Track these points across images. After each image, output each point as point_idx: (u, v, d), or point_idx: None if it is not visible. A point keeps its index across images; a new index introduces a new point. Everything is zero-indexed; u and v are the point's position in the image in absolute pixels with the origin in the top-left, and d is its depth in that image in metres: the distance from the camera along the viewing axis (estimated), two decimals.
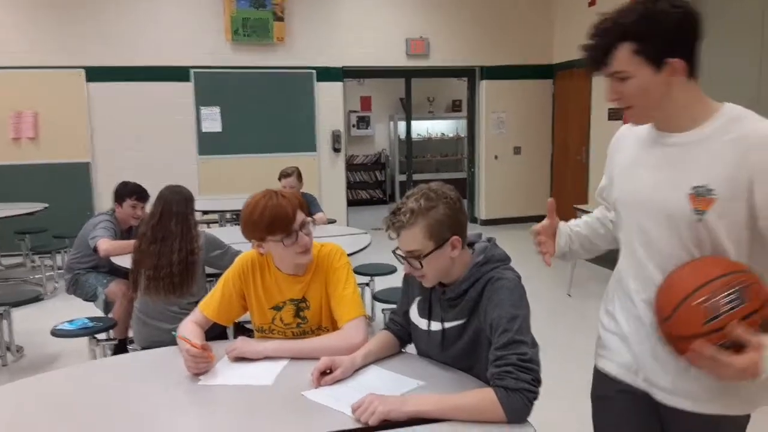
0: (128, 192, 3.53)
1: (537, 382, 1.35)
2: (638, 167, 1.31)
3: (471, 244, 1.56)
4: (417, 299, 1.64)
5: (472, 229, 1.53)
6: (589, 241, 1.55)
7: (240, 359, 1.68)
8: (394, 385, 1.48)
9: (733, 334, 1.09)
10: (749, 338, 1.08)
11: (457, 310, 1.51)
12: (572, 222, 1.58)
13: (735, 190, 1.15)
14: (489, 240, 1.57)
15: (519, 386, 1.31)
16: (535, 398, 1.34)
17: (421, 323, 1.61)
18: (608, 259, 1.55)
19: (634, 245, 1.32)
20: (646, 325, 1.29)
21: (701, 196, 1.18)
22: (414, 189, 1.49)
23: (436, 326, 1.56)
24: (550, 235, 1.52)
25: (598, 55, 1.20)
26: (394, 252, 1.50)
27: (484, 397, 1.32)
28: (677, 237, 1.23)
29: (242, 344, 1.70)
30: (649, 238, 1.29)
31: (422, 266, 1.45)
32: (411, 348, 1.73)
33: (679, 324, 1.15)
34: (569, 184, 7.78)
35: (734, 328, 1.09)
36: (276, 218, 1.69)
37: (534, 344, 1.41)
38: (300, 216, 1.74)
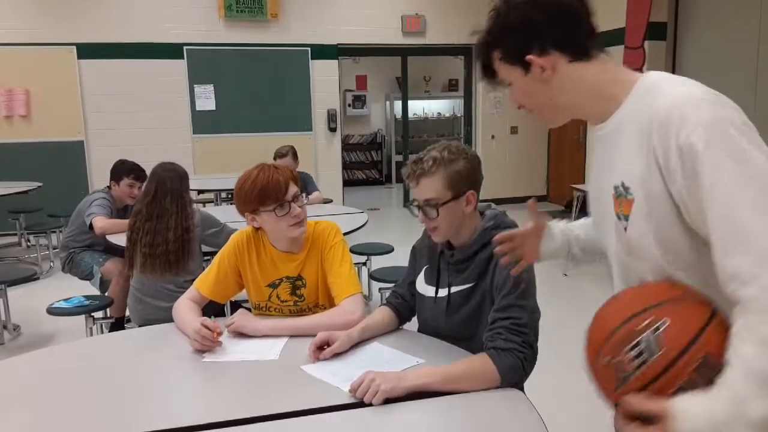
0: (126, 170, 3.51)
1: (528, 345, 1.38)
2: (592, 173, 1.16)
3: (481, 214, 1.59)
4: (424, 268, 1.67)
5: None
6: (592, 244, 1.33)
7: (240, 335, 1.68)
8: (394, 362, 1.48)
9: (626, 409, 0.84)
10: (650, 407, 0.82)
11: (466, 274, 1.55)
12: (571, 224, 1.37)
13: (650, 186, 0.91)
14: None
15: (508, 346, 1.35)
16: (526, 358, 1.36)
17: (428, 291, 1.64)
18: None
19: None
20: None
21: (621, 197, 0.98)
22: (435, 144, 1.53)
23: (443, 293, 1.59)
24: (531, 237, 1.31)
25: (485, 71, 1.10)
26: (409, 205, 1.56)
27: (478, 361, 1.36)
28: (623, 258, 1.03)
29: (241, 319, 1.70)
30: (610, 256, 1.12)
31: (438, 214, 1.48)
32: (408, 325, 1.74)
33: (599, 389, 0.93)
34: (566, 163, 7.77)
35: (627, 403, 0.83)
36: (268, 187, 1.70)
37: (534, 311, 1.45)
38: (293, 188, 1.74)
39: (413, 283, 1.70)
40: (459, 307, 1.56)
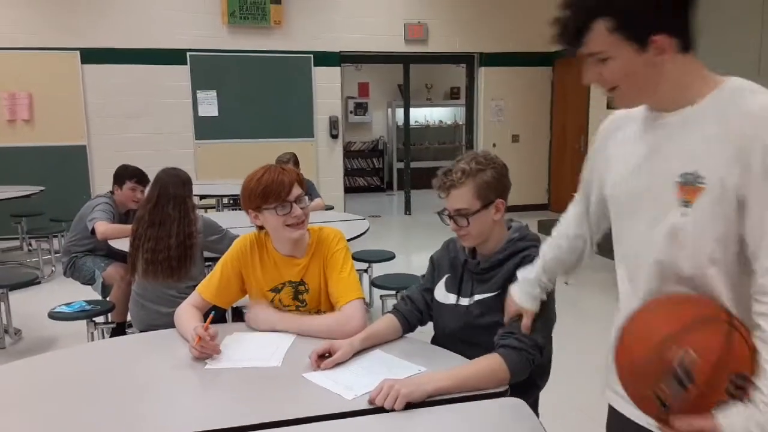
0: (128, 174, 3.52)
1: (538, 347, 1.43)
2: (630, 156, 1.11)
3: (507, 228, 1.65)
4: (445, 277, 1.70)
5: None
6: (560, 261, 1.40)
7: (241, 341, 1.68)
8: (396, 369, 1.47)
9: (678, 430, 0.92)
10: (697, 427, 0.90)
11: (491, 282, 1.59)
12: (542, 254, 1.45)
13: (727, 177, 0.95)
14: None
15: (521, 346, 1.41)
16: (534, 360, 1.42)
17: (449, 298, 1.67)
18: (607, 249, 1.47)
19: (619, 261, 1.17)
20: None
21: (689, 185, 0.99)
22: (464, 154, 1.61)
23: (464, 300, 1.63)
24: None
25: (570, 32, 1.03)
26: (440, 213, 1.61)
27: (491, 361, 1.40)
28: (659, 243, 1.04)
29: (257, 311, 1.77)
30: (632, 248, 1.12)
31: (468, 223, 1.54)
32: (412, 334, 1.74)
33: (641, 409, 1.00)
34: (567, 172, 7.79)
35: (676, 428, 0.92)
36: (271, 186, 1.73)
37: (548, 316, 1.51)
38: (297, 190, 1.76)
39: (429, 290, 1.73)
40: (482, 314, 1.59)
